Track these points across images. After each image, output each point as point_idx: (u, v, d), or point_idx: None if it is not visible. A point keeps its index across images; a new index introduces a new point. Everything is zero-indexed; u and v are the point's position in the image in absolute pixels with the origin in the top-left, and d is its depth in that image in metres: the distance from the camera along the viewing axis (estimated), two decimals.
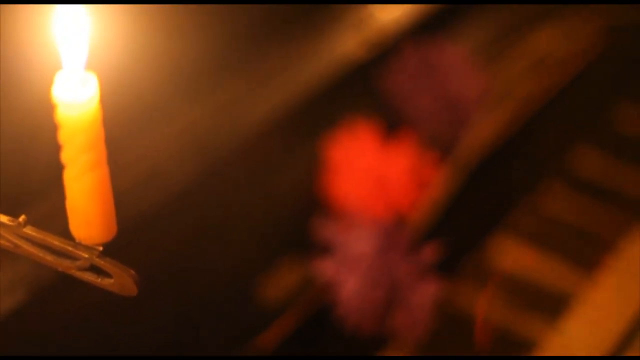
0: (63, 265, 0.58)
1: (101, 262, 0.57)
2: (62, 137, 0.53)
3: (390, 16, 1.23)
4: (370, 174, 1.09)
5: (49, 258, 0.58)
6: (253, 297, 1.04)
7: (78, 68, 0.51)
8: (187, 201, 1.04)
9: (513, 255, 1.26)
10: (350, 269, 1.00)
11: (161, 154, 1.02)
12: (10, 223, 0.57)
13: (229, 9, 1.09)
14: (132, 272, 0.57)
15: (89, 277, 0.58)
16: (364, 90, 1.21)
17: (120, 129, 0.95)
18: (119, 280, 0.57)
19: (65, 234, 0.57)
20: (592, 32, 1.35)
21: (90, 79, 0.52)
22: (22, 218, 0.57)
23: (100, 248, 0.57)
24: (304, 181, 1.13)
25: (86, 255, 0.57)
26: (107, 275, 0.58)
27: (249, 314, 1.03)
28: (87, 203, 0.54)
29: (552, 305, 1.19)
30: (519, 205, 1.31)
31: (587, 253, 1.25)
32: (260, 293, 1.04)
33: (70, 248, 0.57)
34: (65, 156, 0.53)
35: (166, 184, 1.02)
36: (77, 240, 0.57)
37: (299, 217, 1.08)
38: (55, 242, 0.57)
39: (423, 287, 0.99)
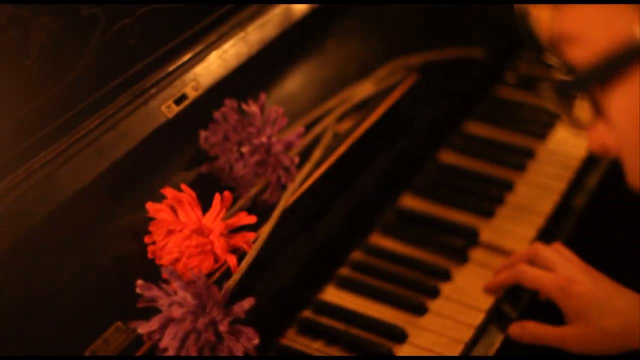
0: None
1: None
2: None
3: (207, 72, 1.24)
4: (191, 234, 1.09)
5: None
6: None
7: None
8: (4, 272, 1.02)
9: (342, 302, 1.28)
10: (172, 329, 1.00)
11: None
12: None
13: (43, 73, 1.09)
14: None
15: None
16: (183, 149, 1.21)
17: None
18: None
19: None
20: (398, 74, 1.40)
21: None
22: None
23: None
24: (128, 244, 1.13)
25: None
26: None
27: None
28: None
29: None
30: (345, 253, 1.34)
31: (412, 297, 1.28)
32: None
33: None
34: None
35: None
36: None
37: (124, 280, 1.07)
38: None
39: (242, 340, 0.99)
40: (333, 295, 1.29)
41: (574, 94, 0.74)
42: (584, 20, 0.71)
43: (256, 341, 1.00)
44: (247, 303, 1.00)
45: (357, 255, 1.35)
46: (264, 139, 1.18)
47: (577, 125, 0.77)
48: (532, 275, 1.24)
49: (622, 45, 0.68)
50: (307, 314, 1.26)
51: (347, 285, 1.30)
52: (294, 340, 1.23)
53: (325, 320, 1.25)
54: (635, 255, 1.56)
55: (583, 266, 1.24)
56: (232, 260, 1.09)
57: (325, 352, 1.21)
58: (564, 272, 1.22)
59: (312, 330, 1.24)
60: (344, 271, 1.33)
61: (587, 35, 0.71)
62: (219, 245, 1.09)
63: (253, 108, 1.19)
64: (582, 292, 1.19)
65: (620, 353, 1.17)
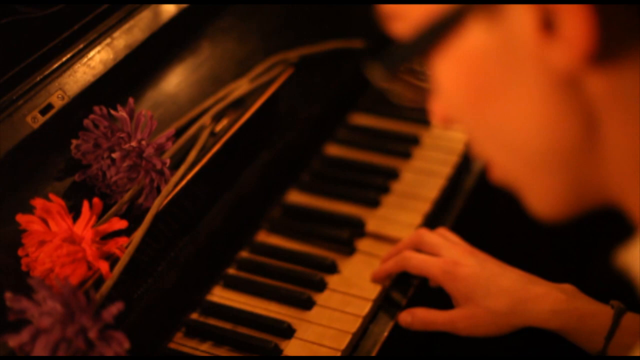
0: None
1: None
2: None
3: (73, 80, 1.23)
4: (62, 243, 1.08)
5: None
6: None
7: None
8: None
9: (229, 301, 1.28)
10: (42, 339, 0.99)
11: None
12: None
13: None
14: None
15: None
16: (56, 158, 1.20)
17: None
18: None
19: None
20: (275, 70, 1.40)
21: None
22: None
23: None
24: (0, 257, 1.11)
25: None
26: None
27: None
28: None
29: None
30: (231, 253, 1.33)
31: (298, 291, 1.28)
32: None
33: None
34: None
35: None
36: None
37: None
38: None
39: (113, 345, 0.99)
40: (220, 295, 1.29)
41: (402, 67, 0.74)
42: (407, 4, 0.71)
43: (126, 345, 0.99)
44: (115, 308, 0.99)
45: (244, 254, 1.35)
46: (134, 143, 1.17)
47: (405, 100, 0.78)
48: (417, 261, 1.24)
49: (440, 12, 0.68)
50: (194, 315, 1.26)
51: (234, 284, 1.30)
52: (181, 343, 1.23)
53: (212, 321, 1.25)
54: (522, 234, 1.57)
55: (468, 248, 1.24)
56: (103, 266, 1.08)
57: (213, 353, 1.21)
58: (448, 255, 1.23)
59: (199, 332, 1.24)
60: (231, 270, 1.32)
61: (408, 9, 0.71)
62: (91, 252, 1.08)
63: (121, 113, 1.18)
64: (467, 274, 1.19)
65: (509, 332, 1.17)
